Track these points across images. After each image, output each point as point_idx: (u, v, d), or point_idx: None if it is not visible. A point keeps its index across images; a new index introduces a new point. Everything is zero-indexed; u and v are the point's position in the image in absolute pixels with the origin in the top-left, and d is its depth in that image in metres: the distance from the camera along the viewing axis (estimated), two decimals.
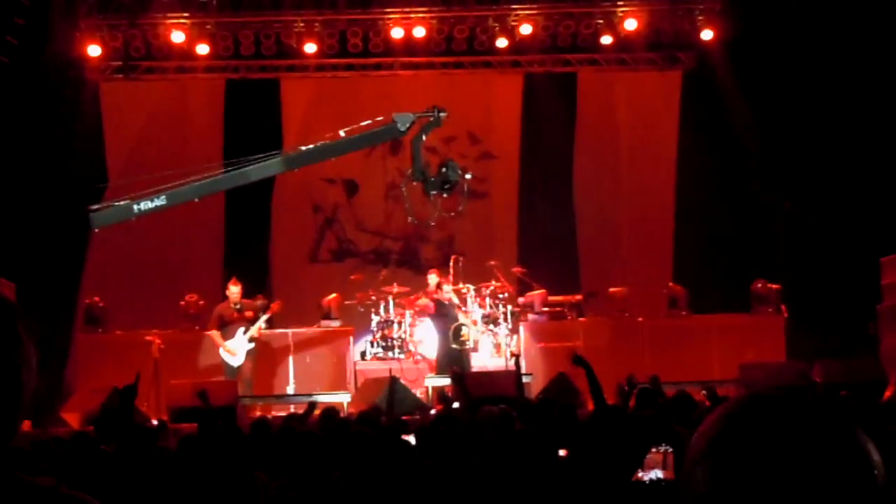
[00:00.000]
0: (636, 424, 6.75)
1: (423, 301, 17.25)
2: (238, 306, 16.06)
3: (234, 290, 16.14)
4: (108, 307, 17.89)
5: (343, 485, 5.14)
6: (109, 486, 5.50)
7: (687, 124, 20.11)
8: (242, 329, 15.90)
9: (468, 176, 12.84)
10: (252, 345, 16.02)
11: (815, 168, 17.83)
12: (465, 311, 17.22)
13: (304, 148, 13.40)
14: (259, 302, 16.62)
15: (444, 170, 12.21)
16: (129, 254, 19.24)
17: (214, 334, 16.04)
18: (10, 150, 17.77)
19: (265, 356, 16.92)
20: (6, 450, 2.10)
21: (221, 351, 15.89)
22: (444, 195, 12.49)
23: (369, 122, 12.46)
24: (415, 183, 12.40)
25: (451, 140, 19.34)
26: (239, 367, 15.84)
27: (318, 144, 13.15)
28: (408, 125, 12.08)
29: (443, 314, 16.79)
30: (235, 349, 15.86)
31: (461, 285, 17.71)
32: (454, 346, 16.53)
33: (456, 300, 17.03)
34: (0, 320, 2.09)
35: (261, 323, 16.13)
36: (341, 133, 12.44)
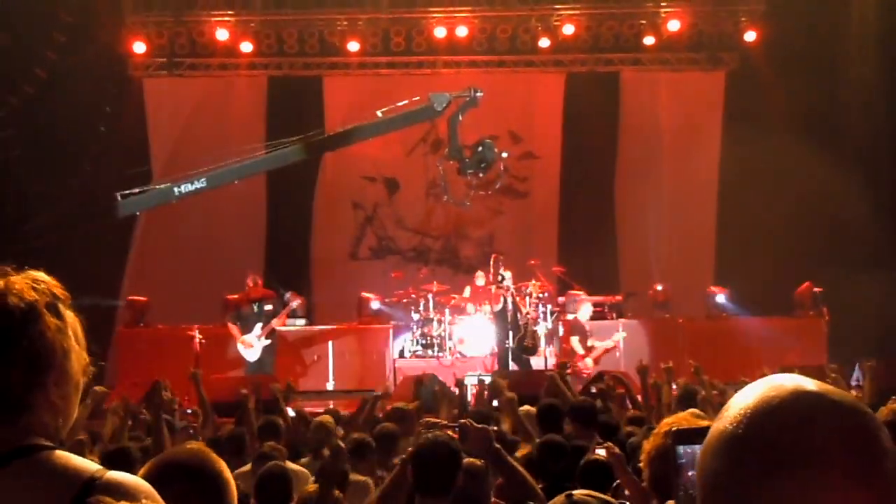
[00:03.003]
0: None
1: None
2: (256, 300, 16.00)
3: (251, 286, 16.14)
4: (150, 302, 18.07)
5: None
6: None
7: (730, 125, 20.00)
8: (261, 324, 15.84)
9: (504, 155, 12.83)
10: (269, 340, 15.88)
11: (857, 169, 17.66)
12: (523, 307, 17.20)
13: (341, 129, 13.48)
14: (283, 296, 16.56)
15: (480, 149, 12.20)
16: (172, 249, 19.43)
17: (232, 328, 15.95)
18: (56, 147, 17.97)
19: (305, 352, 16.98)
20: (61, 435, 2.16)
21: (238, 345, 15.84)
22: (480, 174, 12.48)
23: (406, 102, 12.47)
24: (451, 162, 12.41)
25: (493, 139, 19.24)
26: (257, 361, 15.70)
27: (356, 125, 13.21)
28: (444, 105, 12.08)
29: (506, 310, 16.76)
30: (252, 342, 15.80)
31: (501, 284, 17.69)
32: (524, 345, 16.56)
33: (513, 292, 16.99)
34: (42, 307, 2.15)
35: (279, 318, 16.04)
36: (378, 113, 12.47)
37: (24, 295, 2.12)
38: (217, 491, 2.79)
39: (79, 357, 2.20)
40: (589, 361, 16.14)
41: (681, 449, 1.79)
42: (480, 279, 17.78)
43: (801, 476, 1.37)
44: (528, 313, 16.94)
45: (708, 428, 1.57)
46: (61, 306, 2.17)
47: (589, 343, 16.48)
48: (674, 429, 1.87)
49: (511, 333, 16.65)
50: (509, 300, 16.73)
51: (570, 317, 17.10)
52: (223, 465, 2.88)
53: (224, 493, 2.80)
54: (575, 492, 3.01)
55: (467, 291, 18.06)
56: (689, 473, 1.75)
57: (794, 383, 1.46)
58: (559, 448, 6.85)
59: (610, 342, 16.37)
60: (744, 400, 1.46)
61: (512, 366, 16.32)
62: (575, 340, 16.51)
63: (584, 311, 16.76)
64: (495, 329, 16.93)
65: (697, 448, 1.66)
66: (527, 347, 16.63)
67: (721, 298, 18.43)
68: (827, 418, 1.40)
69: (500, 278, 16.82)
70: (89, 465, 2.08)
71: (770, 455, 1.39)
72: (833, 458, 1.37)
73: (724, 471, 1.43)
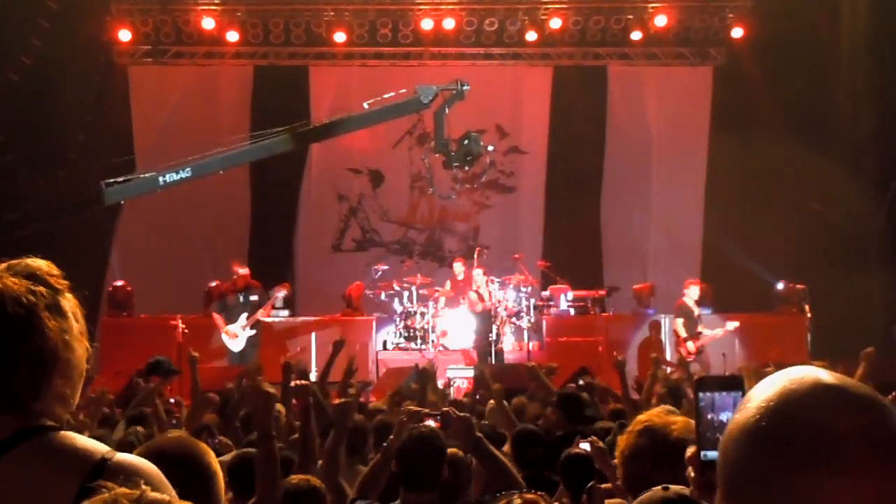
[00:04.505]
0: None
1: (474, 297, 17.12)
2: (242, 290, 15.94)
3: (239, 274, 16.10)
4: (133, 291, 18.02)
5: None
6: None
7: (718, 120, 20.04)
8: (246, 314, 15.79)
9: (491, 149, 12.83)
10: (254, 331, 15.85)
11: (844, 165, 17.72)
12: (497, 302, 17.22)
13: (327, 121, 13.45)
14: (267, 287, 16.49)
15: (466, 142, 12.22)
16: (156, 238, 19.36)
17: (216, 318, 15.90)
18: (41, 135, 17.89)
19: (288, 343, 16.96)
20: (63, 415, 2.17)
21: (223, 335, 15.77)
22: (466, 168, 12.49)
23: (392, 94, 12.47)
24: (437, 155, 12.42)
25: (480, 133, 19.28)
26: (240, 352, 15.61)
27: (343, 116, 13.19)
28: (431, 98, 12.09)
29: (484, 307, 16.76)
30: (237, 333, 15.75)
31: (485, 277, 17.73)
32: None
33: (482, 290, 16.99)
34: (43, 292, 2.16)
35: (265, 308, 15.98)
36: (365, 105, 12.47)
37: (21, 300, 2.12)
38: (205, 480, 2.79)
39: (81, 345, 2.23)
40: (691, 345, 16.08)
41: (700, 394, 1.90)
42: (461, 274, 17.78)
43: (825, 470, 1.39)
44: (497, 308, 16.90)
45: (728, 377, 1.63)
46: (61, 299, 2.18)
47: (699, 329, 16.37)
48: (696, 377, 1.99)
49: (494, 329, 16.66)
50: (477, 298, 16.72)
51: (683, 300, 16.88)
52: (211, 455, 2.88)
53: (211, 481, 2.81)
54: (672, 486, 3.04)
55: (448, 285, 18.07)
56: (709, 416, 1.89)
57: (815, 376, 1.48)
58: (533, 437, 6.88)
59: (720, 330, 16.20)
60: (765, 392, 1.49)
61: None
62: (679, 323, 16.44)
63: (692, 294, 16.63)
64: (476, 323, 16.93)
65: (716, 395, 1.88)
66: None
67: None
68: (848, 412, 1.42)
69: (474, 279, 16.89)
70: (98, 446, 2.11)
71: (794, 449, 1.41)
72: (856, 453, 1.39)
73: (748, 463, 1.45)
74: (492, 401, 8.96)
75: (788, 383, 1.48)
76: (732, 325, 16.35)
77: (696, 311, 16.55)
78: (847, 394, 1.45)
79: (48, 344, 2.12)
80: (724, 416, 1.83)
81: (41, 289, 2.16)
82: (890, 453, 1.41)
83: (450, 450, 5.39)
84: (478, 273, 16.97)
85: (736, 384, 1.89)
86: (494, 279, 17.63)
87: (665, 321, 17.48)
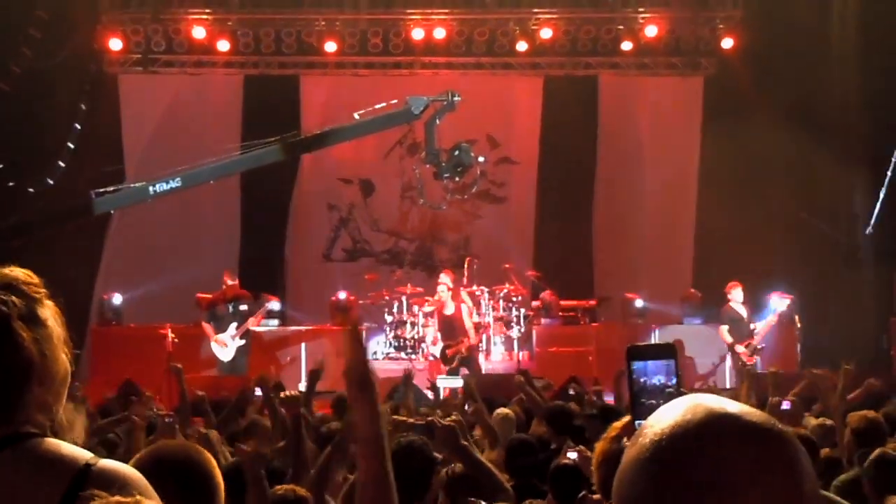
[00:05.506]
0: None
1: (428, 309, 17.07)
2: (231, 300, 15.93)
3: (228, 284, 16.09)
4: (123, 300, 17.99)
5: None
6: None
7: (709, 130, 20.04)
8: (235, 323, 15.77)
9: (481, 159, 12.82)
10: (243, 341, 15.83)
11: (835, 174, 17.74)
12: (480, 315, 17.18)
13: (318, 131, 13.46)
14: (257, 297, 16.47)
15: (456, 153, 12.21)
16: (145, 248, 19.32)
17: (206, 327, 15.89)
18: (32, 144, 17.85)
19: (278, 353, 16.93)
20: (46, 423, 2.17)
21: (212, 344, 15.75)
22: (457, 178, 12.49)
23: (383, 104, 12.47)
24: (427, 166, 12.42)
25: (471, 143, 19.24)
26: (230, 361, 15.63)
27: (334, 127, 13.19)
28: (422, 108, 12.10)
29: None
30: (226, 342, 15.73)
31: (475, 287, 17.71)
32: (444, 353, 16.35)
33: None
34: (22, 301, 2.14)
35: (255, 317, 15.98)
36: (356, 116, 12.46)
37: None
38: (210, 491, 2.78)
39: (62, 352, 2.21)
40: (740, 348, 15.69)
41: (633, 363, 1.91)
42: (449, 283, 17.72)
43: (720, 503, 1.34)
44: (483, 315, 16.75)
45: (660, 345, 1.63)
46: (37, 307, 2.17)
47: (752, 327, 15.89)
48: (628, 345, 2.00)
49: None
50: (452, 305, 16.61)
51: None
52: (214, 465, 2.87)
53: (215, 493, 2.80)
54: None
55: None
56: (642, 380, 1.89)
57: (711, 405, 1.42)
58: (525, 446, 6.89)
59: (773, 317, 15.74)
60: (658, 424, 1.43)
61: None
62: (724, 330, 16.00)
63: (736, 296, 16.16)
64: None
65: (649, 363, 1.89)
66: (445, 356, 16.41)
67: (639, 303, 18.47)
68: (744, 442, 1.38)
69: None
70: (82, 452, 2.11)
71: (687, 483, 1.36)
72: (751, 484, 1.35)
73: (642, 499, 1.40)
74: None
75: (683, 413, 1.42)
76: (784, 302, 15.82)
77: (744, 312, 16.05)
78: (744, 422, 1.40)
79: (22, 354, 2.11)
80: (655, 380, 1.82)
81: (13, 299, 2.14)
82: (790, 482, 1.37)
83: (456, 467, 5.42)
84: (442, 288, 16.74)
85: (668, 352, 1.86)
86: (484, 289, 17.60)
87: (656, 333, 17.46)
